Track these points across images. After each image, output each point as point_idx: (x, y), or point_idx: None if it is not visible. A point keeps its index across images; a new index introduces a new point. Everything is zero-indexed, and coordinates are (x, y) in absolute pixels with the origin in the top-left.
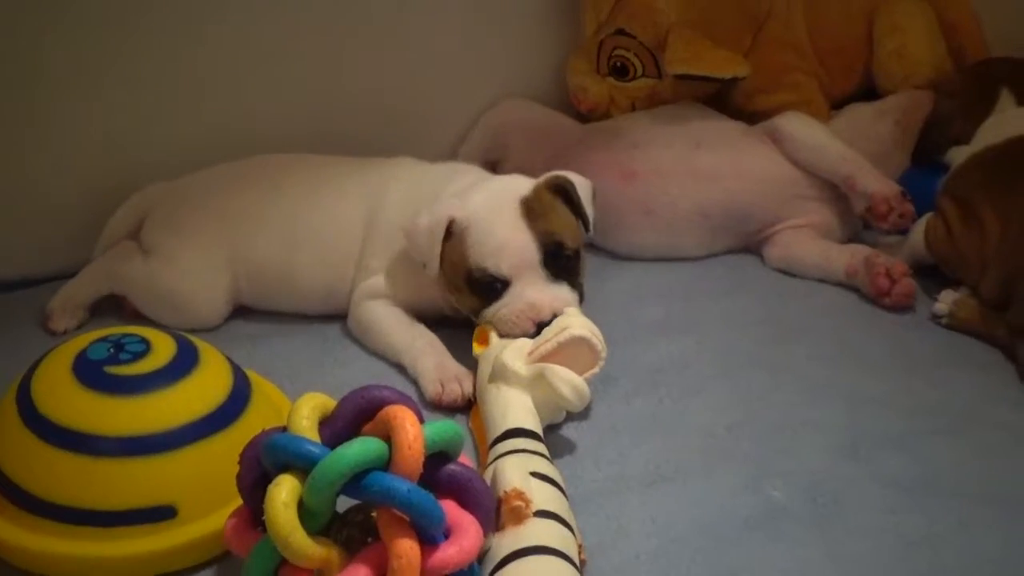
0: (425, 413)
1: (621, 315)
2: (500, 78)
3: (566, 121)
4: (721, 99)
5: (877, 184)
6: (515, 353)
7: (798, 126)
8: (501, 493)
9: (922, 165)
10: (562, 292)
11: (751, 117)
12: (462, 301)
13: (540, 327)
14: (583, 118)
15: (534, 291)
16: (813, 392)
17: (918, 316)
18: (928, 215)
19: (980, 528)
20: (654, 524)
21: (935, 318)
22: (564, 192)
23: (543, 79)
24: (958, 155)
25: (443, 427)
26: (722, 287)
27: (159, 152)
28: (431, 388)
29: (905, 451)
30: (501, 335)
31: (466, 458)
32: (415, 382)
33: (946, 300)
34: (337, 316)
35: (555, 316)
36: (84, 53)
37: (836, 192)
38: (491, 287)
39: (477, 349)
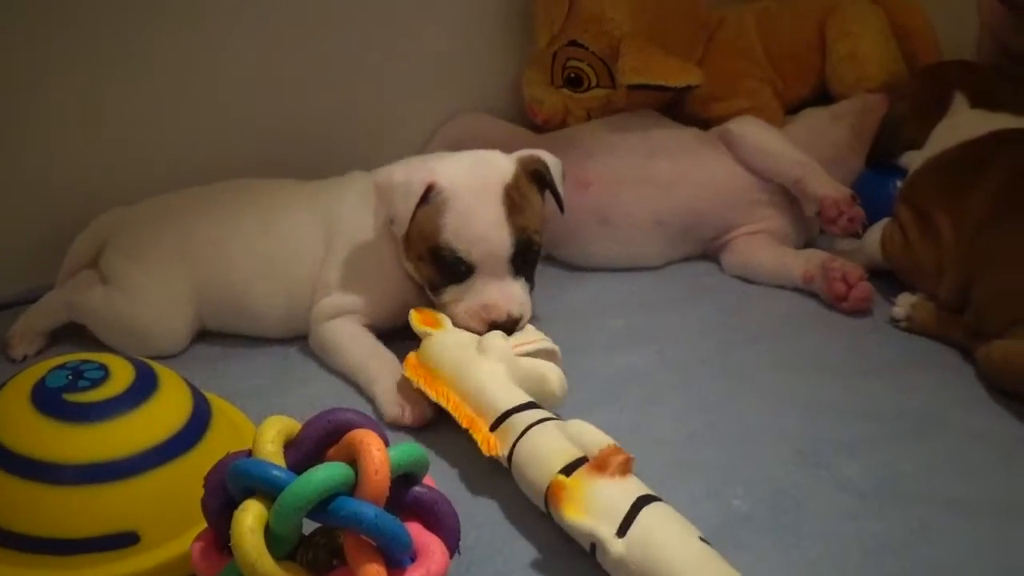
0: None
1: (580, 326)
2: (457, 92)
3: (522, 132)
4: (676, 107)
5: (826, 188)
6: (500, 340)
7: (749, 130)
8: (597, 450)
9: (876, 168)
10: (519, 291)
11: (707, 124)
12: (420, 270)
13: (490, 327)
14: (540, 129)
15: (494, 289)
16: (773, 399)
17: (876, 320)
18: (884, 221)
19: (941, 533)
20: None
21: (893, 322)
22: (539, 176)
23: (499, 92)
24: (914, 160)
25: (408, 450)
26: (681, 295)
27: (120, 176)
28: (391, 410)
29: (865, 456)
30: (456, 324)
31: (430, 479)
32: (371, 400)
33: (904, 304)
34: (296, 338)
35: (509, 317)
36: (45, 78)
37: (790, 197)
38: (455, 269)
39: (423, 326)
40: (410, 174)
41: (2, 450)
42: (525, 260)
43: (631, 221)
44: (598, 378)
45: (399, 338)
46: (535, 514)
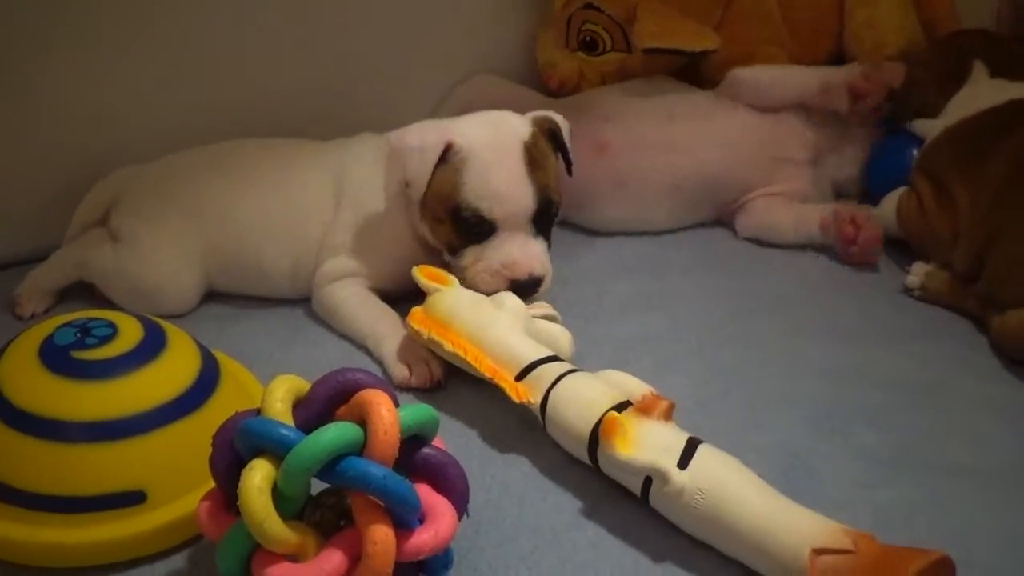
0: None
1: (592, 291)
2: (469, 55)
3: (536, 96)
4: (692, 72)
5: (843, 73)
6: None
7: (750, 71)
8: (639, 395)
9: (893, 137)
10: (540, 250)
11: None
12: (438, 232)
13: (514, 287)
14: (553, 93)
15: (516, 247)
16: (786, 365)
17: (890, 288)
18: (901, 190)
19: (953, 500)
20: (628, 502)
21: (907, 290)
22: (553, 136)
23: (512, 55)
24: (931, 129)
25: (418, 411)
26: (693, 261)
27: (129, 135)
28: (398, 371)
29: (878, 423)
30: (467, 286)
31: (440, 441)
32: (379, 363)
33: (918, 272)
34: (303, 299)
35: (530, 276)
36: (54, 37)
37: (808, 155)
38: (476, 229)
39: (431, 282)
40: (426, 135)
41: (10, 407)
42: (545, 219)
43: (648, 184)
44: (610, 343)
45: (403, 301)
46: (544, 478)
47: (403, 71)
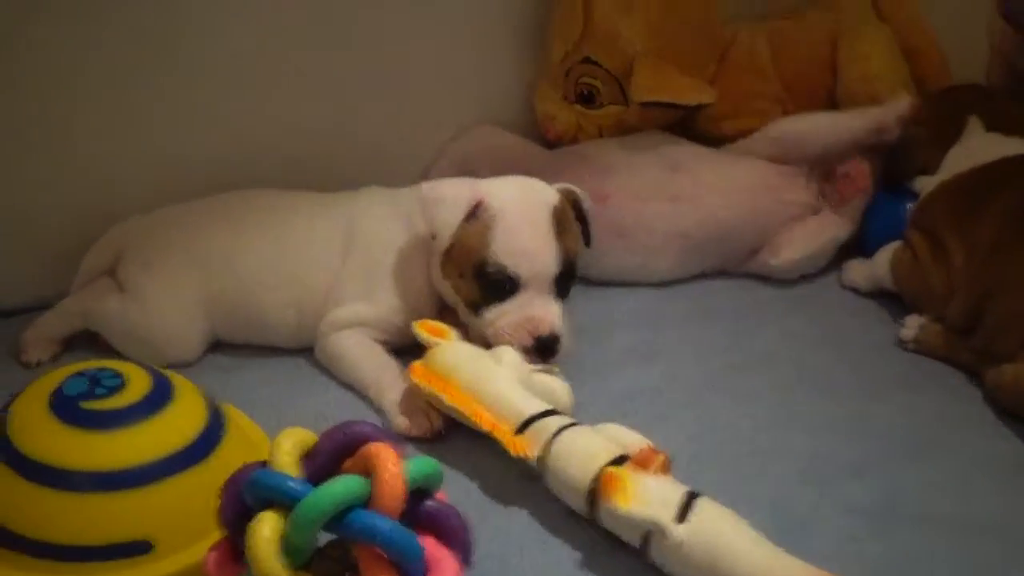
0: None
1: (590, 342)
2: (468, 106)
3: (533, 147)
4: (685, 125)
5: (894, 106)
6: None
7: (789, 123)
8: (636, 449)
9: (888, 191)
10: (560, 312)
11: (716, 142)
12: (459, 287)
13: (536, 343)
14: (551, 144)
15: (538, 305)
16: (778, 419)
17: (883, 341)
18: (895, 244)
19: (944, 554)
20: (627, 554)
21: (901, 343)
22: (577, 207)
23: (511, 106)
24: (927, 184)
25: (423, 464)
26: (690, 313)
27: (135, 187)
28: (398, 422)
29: (869, 477)
30: (489, 344)
31: (442, 493)
32: (380, 413)
33: (912, 325)
34: (307, 348)
35: (551, 334)
36: (63, 81)
37: (811, 202)
38: (500, 286)
39: (430, 335)
40: (457, 189)
41: (19, 456)
42: (566, 283)
43: (653, 234)
44: (606, 395)
45: (405, 353)
46: (544, 529)
47: (402, 122)
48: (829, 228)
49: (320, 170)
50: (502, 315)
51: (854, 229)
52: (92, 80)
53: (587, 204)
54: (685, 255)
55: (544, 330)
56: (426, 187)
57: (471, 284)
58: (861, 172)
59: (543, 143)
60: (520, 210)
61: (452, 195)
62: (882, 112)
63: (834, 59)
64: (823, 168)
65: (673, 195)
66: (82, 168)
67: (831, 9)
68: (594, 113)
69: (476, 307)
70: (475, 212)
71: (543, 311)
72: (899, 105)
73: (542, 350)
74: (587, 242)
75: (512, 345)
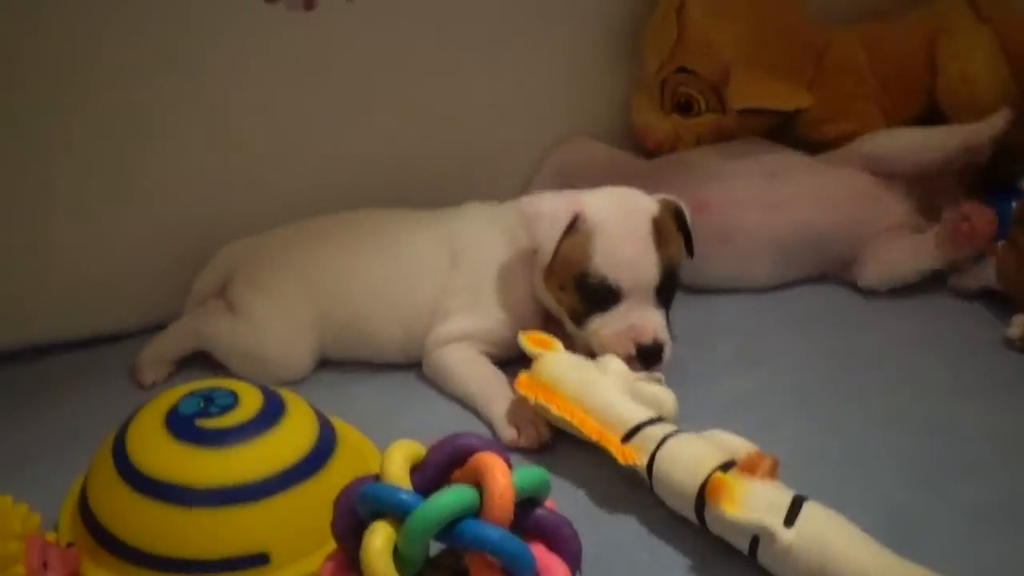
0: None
1: (693, 349)
2: (564, 118)
3: (631, 158)
4: (783, 131)
5: (989, 126)
6: (620, 363)
7: (884, 141)
8: (743, 454)
9: (993, 191)
10: (663, 321)
11: (815, 146)
12: (562, 299)
13: (639, 351)
14: (649, 155)
15: (640, 314)
16: (887, 420)
17: (991, 342)
18: (1000, 243)
19: None
20: (736, 559)
21: (1008, 343)
22: (679, 217)
23: (607, 118)
24: None
25: (531, 473)
26: (793, 318)
27: (244, 207)
28: (507, 433)
29: (982, 478)
30: (594, 354)
31: (551, 502)
32: (489, 425)
33: (1019, 324)
34: (414, 363)
35: (655, 342)
36: (178, 103)
37: (912, 207)
38: (601, 297)
39: (535, 347)
40: (556, 203)
41: (139, 474)
42: (667, 292)
43: (752, 242)
44: (712, 403)
45: (511, 365)
46: (653, 536)
47: (500, 137)
48: (924, 258)
49: (420, 187)
50: (605, 325)
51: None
52: (199, 101)
53: (688, 214)
54: (783, 262)
55: (647, 338)
56: (526, 202)
57: (573, 295)
58: (985, 219)
59: (640, 153)
60: (619, 221)
61: (551, 209)
62: (975, 131)
63: (932, 59)
64: (926, 183)
65: (771, 202)
66: (190, 191)
67: (929, 10)
68: (692, 122)
69: (579, 318)
70: (575, 224)
71: (645, 320)
72: (994, 123)
73: (645, 358)
74: (689, 252)
75: (616, 354)
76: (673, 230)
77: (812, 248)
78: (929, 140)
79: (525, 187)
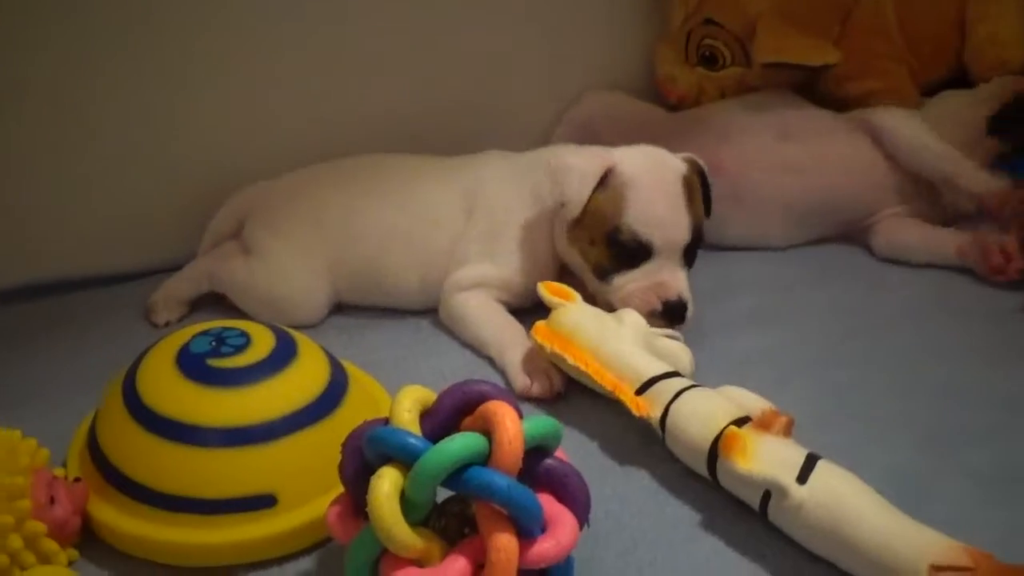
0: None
1: (709, 305)
2: (586, 70)
3: (655, 111)
4: (809, 86)
5: (982, 183)
6: (637, 316)
7: (896, 123)
8: (758, 411)
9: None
10: (686, 279)
11: (840, 103)
12: (588, 253)
13: (665, 307)
14: (672, 107)
15: (668, 272)
16: (903, 384)
17: (1010, 310)
18: None
19: None
20: (746, 516)
21: None
22: (701, 176)
23: (629, 70)
24: None
25: (542, 423)
26: (811, 276)
27: (261, 150)
28: (519, 381)
29: (992, 444)
30: (612, 308)
31: (562, 452)
32: (502, 373)
33: None
34: (430, 310)
35: (680, 298)
36: (190, 49)
37: (928, 183)
38: (632, 253)
39: (552, 296)
40: (587, 158)
41: (149, 412)
42: (693, 252)
43: (763, 204)
44: (726, 359)
45: (527, 315)
46: (663, 490)
47: (519, 86)
48: (939, 254)
49: (439, 135)
50: (631, 280)
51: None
52: (224, 49)
53: (708, 173)
54: (795, 224)
55: (673, 295)
56: (553, 155)
57: (601, 250)
58: (1019, 265)
59: (663, 106)
60: (653, 179)
61: (582, 164)
62: (981, 185)
63: (962, 21)
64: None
65: (780, 165)
66: (207, 133)
67: None
68: (716, 75)
69: (604, 273)
70: (606, 179)
71: (672, 277)
72: (990, 187)
73: (670, 314)
74: (707, 211)
75: (640, 310)
76: (698, 189)
77: (822, 212)
78: (928, 149)
79: (546, 138)
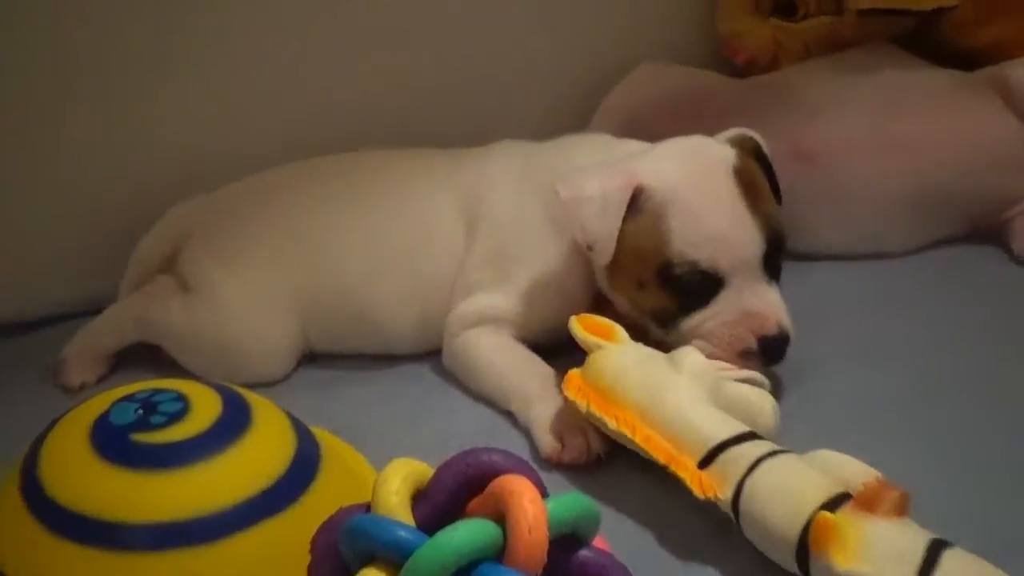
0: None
1: (802, 333)
2: (631, 42)
3: (718, 82)
4: (924, 36)
5: None
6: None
7: None
8: (860, 484)
9: None
10: (780, 300)
11: (963, 59)
12: (643, 301)
13: (763, 344)
14: (742, 73)
15: (753, 295)
16: None
17: None
18: None
19: None
20: None
21: None
22: (758, 155)
23: (681, 37)
24: None
25: (573, 502)
26: (935, 290)
27: (195, 155)
28: (546, 443)
29: None
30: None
31: (602, 540)
32: (527, 433)
33: None
34: (431, 353)
35: (780, 330)
36: (92, 39)
37: None
38: (697, 288)
39: (591, 336)
40: (606, 180)
41: (55, 508)
42: (776, 260)
43: (865, 198)
44: (825, 404)
45: (559, 355)
46: None
47: (543, 66)
48: None
49: (448, 126)
50: (708, 319)
51: None
52: (134, 26)
53: (766, 148)
54: (907, 223)
55: (772, 327)
56: (563, 187)
57: (655, 293)
58: None
59: (729, 72)
60: (695, 184)
61: (600, 189)
62: None
63: None
64: None
65: (888, 144)
66: (139, 131)
67: None
68: (796, 27)
69: (668, 319)
70: (636, 202)
71: (762, 302)
72: None
73: (769, 353)
74: (777, 197)
75: (727, 352)
76: (760, 177)
77: (944, 205)
78: None
79: (578, 127)
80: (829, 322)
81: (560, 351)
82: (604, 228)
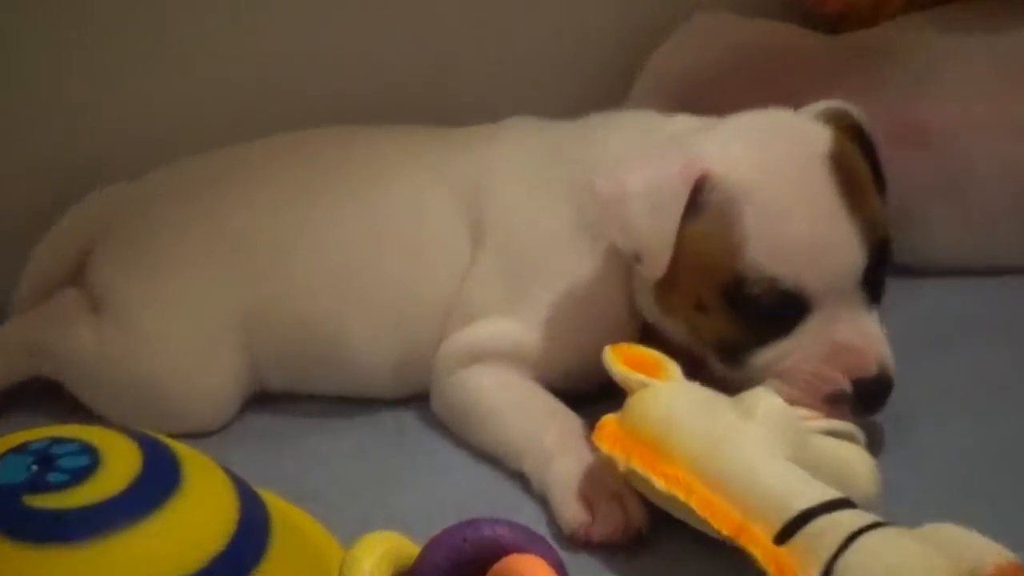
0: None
1: (910, 370)
2: None
3: (799, 36)
4: None
5: None
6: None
7: None
8: (989, 567)
9: None
10: (880, 331)
11: None
12: (704, 328)
13: (857, 387)
14: (832, 28)
15: (848, 325)
16: None
17: None
18: None
19: None
20: None
21: None
22: (860, 136)
23: None
24: None
25: None
26: None
27: (116, 136)
28: (572, 512)
29: None
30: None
31: None
32: (544, 500)
33: None
34: (416, 396)
35: (882, 370)
36: None
37: None
38: (775, 312)
39: (633, 372)
40: (657, 170)
41: None
42: (878, 277)
43: (994, 192)
44: (938, 463)
45: (585, 403)
46: None
47: (583, 19)
48: None
49: (449, 99)
50: (787, 355)
51: None
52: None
53: (868, 128)
54: None
55: (868, 367)
56: (603, 182)
57: (721, 317)
58: None
59: (813, 26)
60: (776, 174)
61: (650, 180)
62: None
63: None
64: None
65: (1014, 124)
66: (45, 103)
67: None
68: None
69: (736, 351)
70: (699, 198)
71: (859, 333)
72: None
73: (866, 399)
74: (881, 190)
75: (811, 397)
76: (862, 165)
77: None
78: None
79: (614, 101)
80: (943, 358)
81: (590, 398)
82: (656, 231)
